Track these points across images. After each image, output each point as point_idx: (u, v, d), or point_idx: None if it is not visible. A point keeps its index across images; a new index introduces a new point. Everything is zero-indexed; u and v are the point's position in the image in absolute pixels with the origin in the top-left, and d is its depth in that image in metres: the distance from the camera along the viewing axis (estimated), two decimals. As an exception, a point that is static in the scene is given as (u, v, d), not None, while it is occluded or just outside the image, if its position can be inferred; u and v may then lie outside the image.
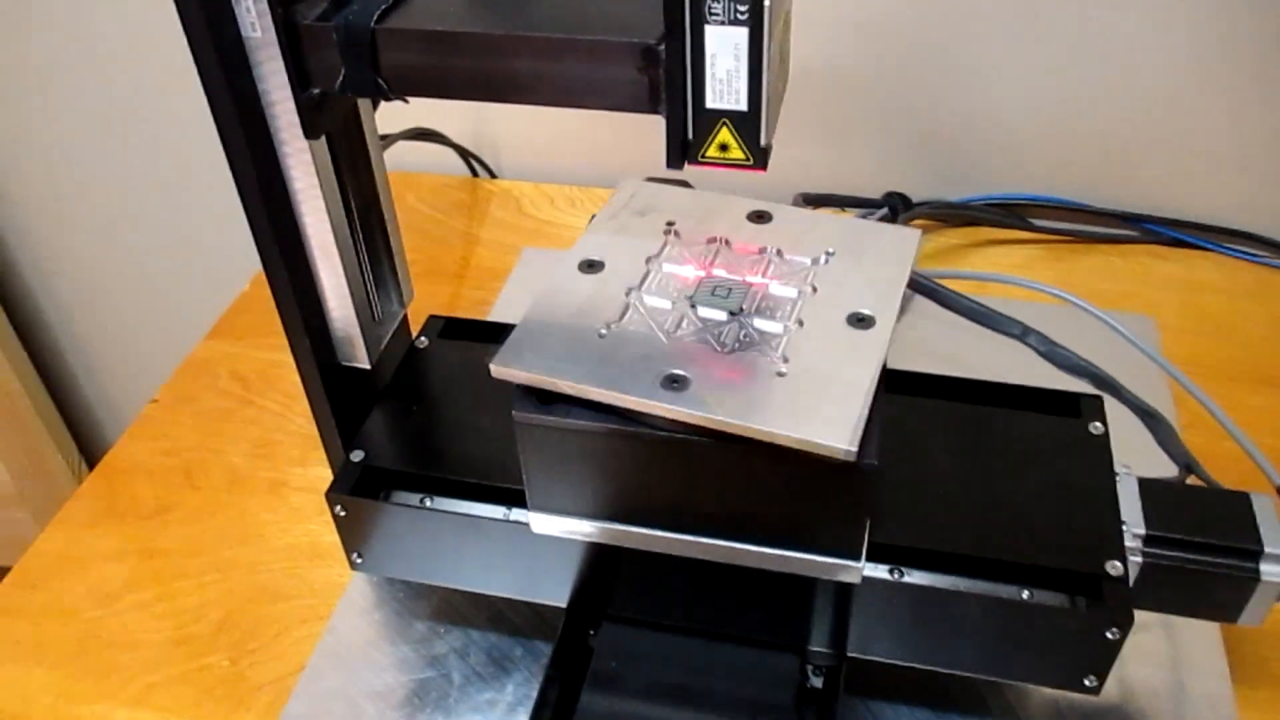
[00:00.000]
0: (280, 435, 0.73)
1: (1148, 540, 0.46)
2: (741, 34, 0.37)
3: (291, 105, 0.43)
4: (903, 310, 0.46)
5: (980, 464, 0.50)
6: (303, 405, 0.53)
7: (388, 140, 0.92)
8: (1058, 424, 0.52)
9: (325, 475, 0.53)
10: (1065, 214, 0.84)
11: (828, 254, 0.48)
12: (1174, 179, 0.82)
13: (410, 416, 0.54)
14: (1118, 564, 0.45)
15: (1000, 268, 0.81)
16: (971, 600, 0.45)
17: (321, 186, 0.46)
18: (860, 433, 0.39)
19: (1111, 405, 0.53)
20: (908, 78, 0.83)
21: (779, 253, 0.48)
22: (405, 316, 0.58)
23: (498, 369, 0.42)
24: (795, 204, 0.75)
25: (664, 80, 0.38)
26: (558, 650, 0.52)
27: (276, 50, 0.41)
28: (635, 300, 0.46)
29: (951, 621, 0.46)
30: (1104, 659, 0.45)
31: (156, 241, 1.14)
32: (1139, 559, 0.46)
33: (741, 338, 0.44)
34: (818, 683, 0.51)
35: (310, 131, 0.43)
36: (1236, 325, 0.76)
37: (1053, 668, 0.46)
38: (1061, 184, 0.84)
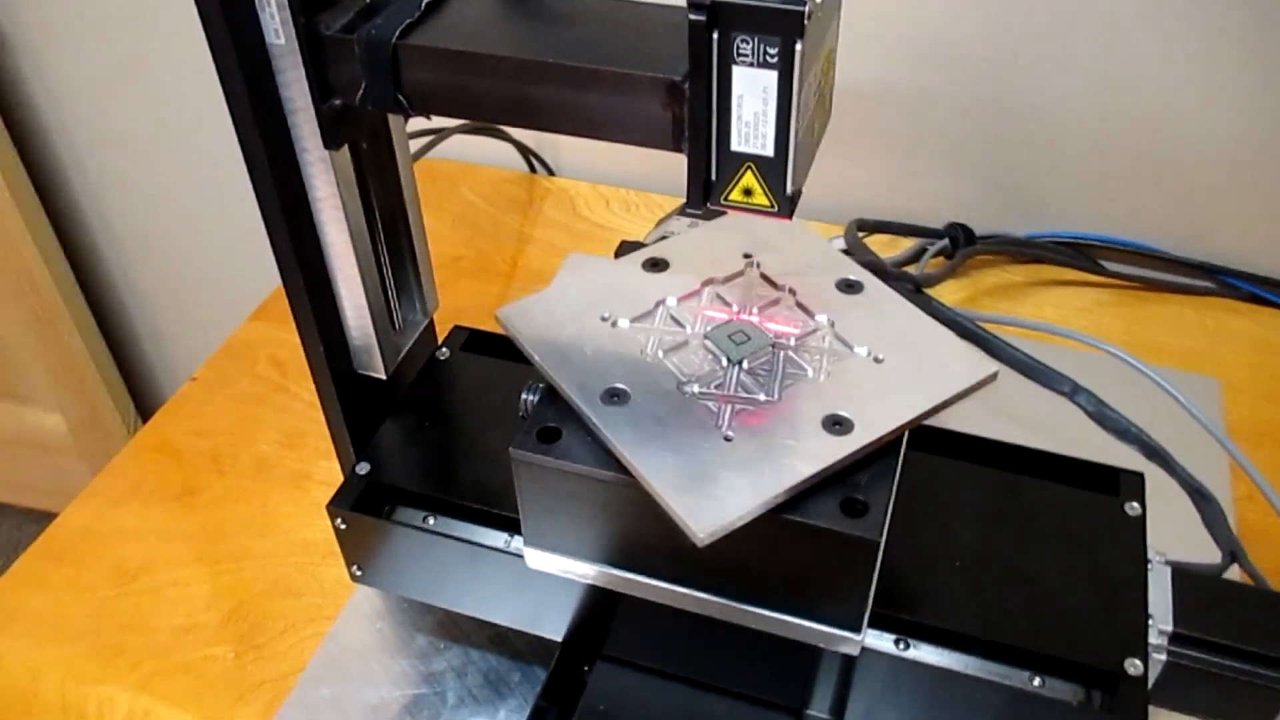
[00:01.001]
0: (310, 426, 0.73)
1: (1174, 639, 0.43)
2: (771, 77, 0.35)
3: (312, 115, 0.42)
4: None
5: (1004, 537, 0.47)
6: (336, 398, 0.52)
7: (445, 132, 0.91)
8: (1092, 500, 0.49)
9: (346, 474, 0.52)
10: (1137, 259, 0.79)
11: (876, 353, 0.44)
12: (1255, 232, 0.78)
13: (421, 431, 0.53)
14: (1138, 662, 0.42)
15: (1064, 310, 0.78)
16: (978, 684, 0.43)
17: (342, 196, 0.45)
18: (722, 528, 0.37)
19: (1160, 475, 0.49)
20: (983, 106, 0.79)
21: (831, 323, 0.46)
22: (431, 323, 0.57)
23: (502, 315, 0.43)
24: (850, 230, 0.72)
25: (687, 119, 0.36)
26: (549, 682, 0.51)
27: (299, 59, 0.40)
28: (661, 310, 0.45)
29: (957, 703, 0.43)
30: None
31: (222, 212, 1.15)
32: (1163, 657, 0.43)
33: (712, 387, 0.43)
34: None
35: (330, 142, 0.43)
36: (1311, 392, 0.72)
37: None
38: (1136, 227, 0.80)
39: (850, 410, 0.41)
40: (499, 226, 0.91)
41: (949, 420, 0.60)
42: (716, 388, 0.42)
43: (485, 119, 0.40)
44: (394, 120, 0.48)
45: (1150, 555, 0.46)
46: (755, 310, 0.46)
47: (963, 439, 0.51)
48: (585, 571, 0.44)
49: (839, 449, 0.40)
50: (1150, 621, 0.43)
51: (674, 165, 0.37)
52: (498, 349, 0.57)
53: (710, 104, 0.36)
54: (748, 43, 0.34)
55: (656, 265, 0.46)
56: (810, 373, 0.43)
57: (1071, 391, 0.54)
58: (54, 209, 1.19)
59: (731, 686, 0.49)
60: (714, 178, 0.38)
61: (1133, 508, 0.48)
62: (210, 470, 0.70)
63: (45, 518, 0.66)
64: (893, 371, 0.44)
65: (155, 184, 1.16)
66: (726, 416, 0.41)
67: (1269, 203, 0.76)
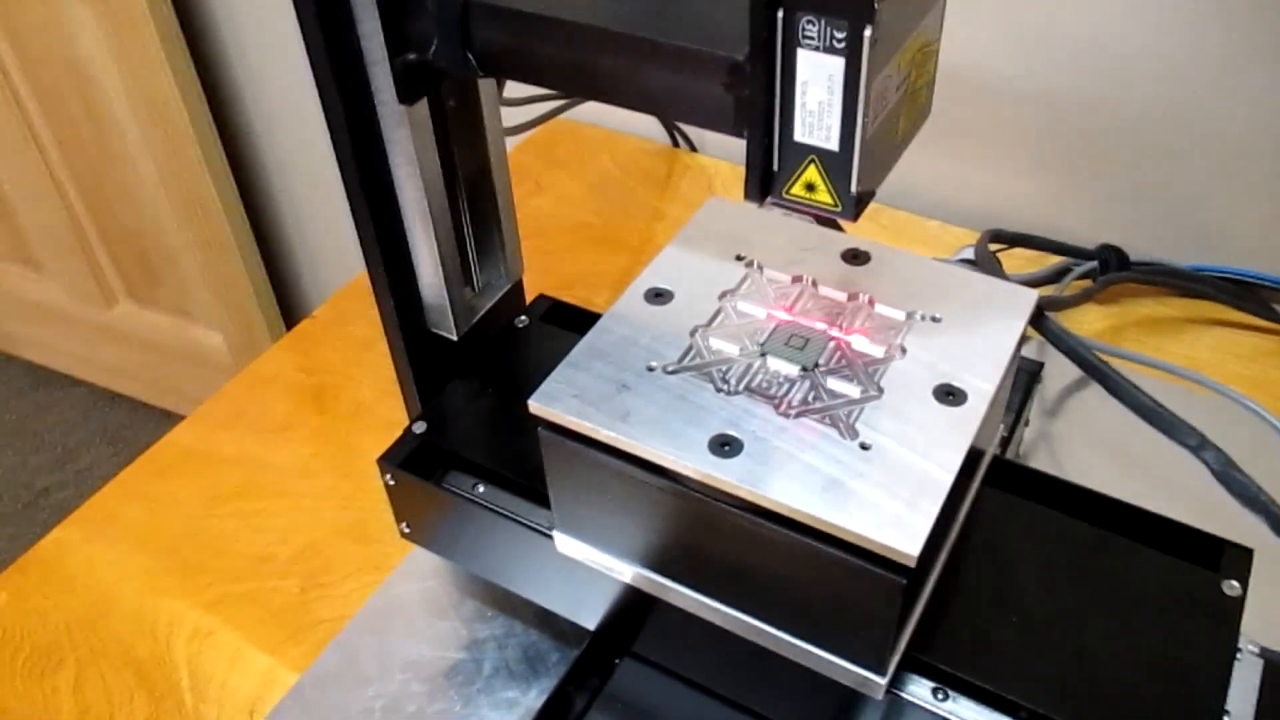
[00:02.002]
0: (411, 376, 0.74)
1: None
2: (837, 64, 0.32)
3: (389, 68, 0.41)
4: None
5: (1077, 598, 0.42)
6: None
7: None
8: (1187, 572, 0.43)
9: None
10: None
11: (926, 313, 0.42)
12: None
13: (485, 398, 0.52)
14: None
15: (1220, 355, 0.70)
16: None
17: (419, 153, 0.44)
18: (928, 537, 0.34)
19: None
20: (1153, 120, 0.72)
21: (870, 302, 0.43)
22: (520, 287, 0.56)
23: (536, 407, 0.39)
24: (983, 241, 0.67)
25: (748, 102, 0.34)
26: (576, 666, 0.50)
27: (375, 10, 0.39)
28: (699, 341, 0.42)
29: None
30: None
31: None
32: None
33: (810, 399, 0.39)
34: None
35: (405, 97, 0.42)
36: None
37: None
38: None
39: (952, 377, 0.39)
40: (632, 198, 0.90)
41: (1043, 460, 0.55)
42: (814, 399, 0.39)
43: (549, 86, 0.38)
44: (484, 82, 0.47)
45: (1242, 644, 0.41)
46: (788, 309, 0.43)
47: (1051, 481, 0.47)
48: (610, 565, 0.43)
49: (971, 416, 0.38)
50: (1226, 718, 0.38)
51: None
52: (577, 323, 0.56)
53: (773, 88, 0.33)
54: (814, 24, 0.31)
55: (660, 296, 0.43)
56: (884, 353, 0.41)
57: (1198, 446, 0.48)
58: (228, 137, 1.25)
59: (758, 708, 0.46)
60: (775, 169, 0.35)
61: (1232, 586, 0.42)
62: (311, 407, 0.72)
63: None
64: (957, 327, 0.41)
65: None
66: (845, 425, 0.38)
67: None
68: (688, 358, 0.41)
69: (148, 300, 1.47)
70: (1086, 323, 0.72)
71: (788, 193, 0.35)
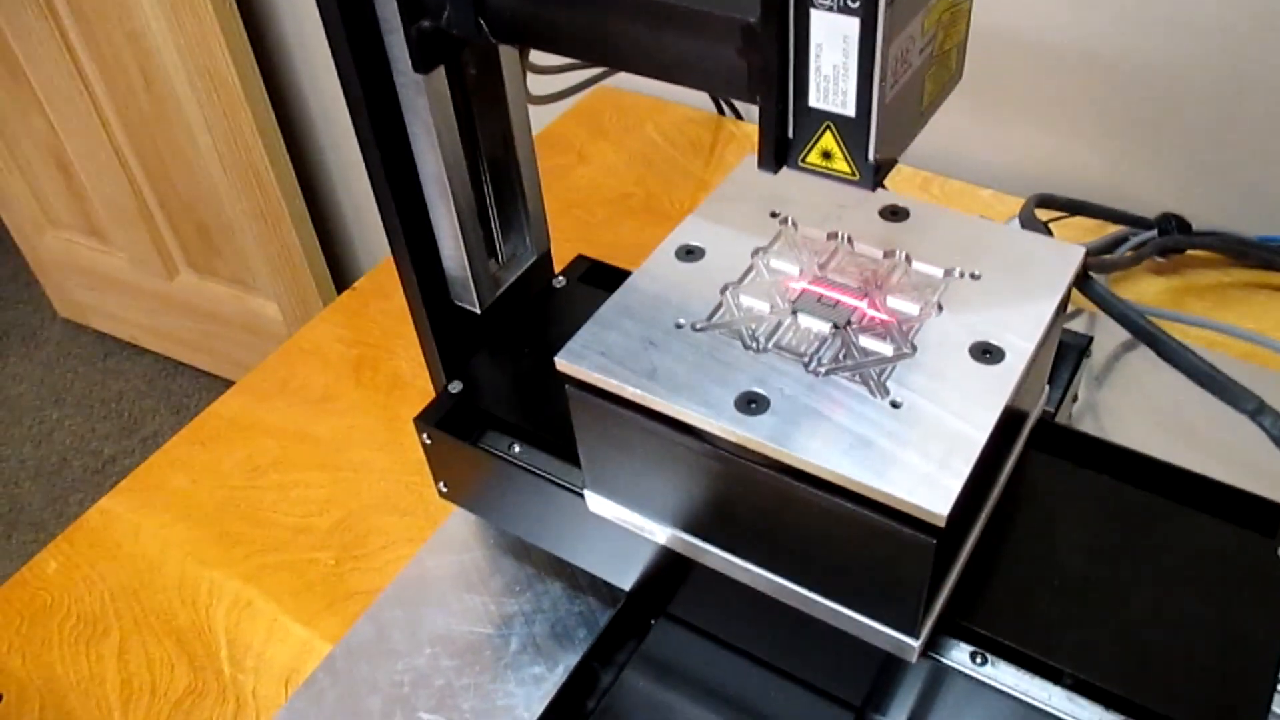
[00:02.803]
0: (450, 349, 0.74)
1: None
2: (852, 25, 0.30)
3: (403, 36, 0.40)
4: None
5: (1126, 565, 0.41)
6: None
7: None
8: (1243, 539, 0.41)
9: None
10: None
11: (966, 270, 0.40)
12: None
13: (522, 358, 0.51)
14: None
15: (1286, 324, 0.67)
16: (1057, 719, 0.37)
17: (437, 123, 0.43)
18: (958, 497, 0.33)
19: None
20: (1225, 83, 0.69)
21: (907, 259, 0.41)
22: (547, 258, 0.55)
23: (564, 364, 0.39)
24: (1029, 205, 0.64)
25: (760, 66, 0.32)
26: (611, 626, 0.50)
27: (387, -24, 0.39)
28: (730, 298, 0.41)
29: None
30: None
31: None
32: None
33: (841, 357, 0.38)
34: None
35: (420, 65, 0.41)
36: None
37: None
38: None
39: (989, 334, 0.38)
40: (675, 168, 0.88)
41: (1091, 424, 0.53)
42: (845, 357, 0.38)
43: (561, 52, 0.37)
44: (506, 51, 0.46)
45: None
46: (824, 266, 0.41)
47: (1101, 445, 0.45)
48: (641, 524, 0.42)
49: (1009, 375, 0.36)
50: (1279, 689, 0.36)
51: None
52: (615, 283, 0.55)
53: (786, 52, 0.32)
54: (826, -17, 0.30)
55: (691, 254, 0.42)
56: (920, 311, 0.39)
57: (1255, 411, 0.46)
58: (280, 108, 1.26)
59: (794, 671, 0.46)
60: (791, 135, 0.34)
61: None
62: (350, 379, 0.73)
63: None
64: (997, 284, 0.40)
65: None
66: (876, 383, 0.37)
67: None
68: (717, 315, 0.40)
69: (207, 270, 1.50)
70: (1145, 294, 0.69)
71: (804, 161, 0.34)
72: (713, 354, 0.38)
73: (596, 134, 0.93)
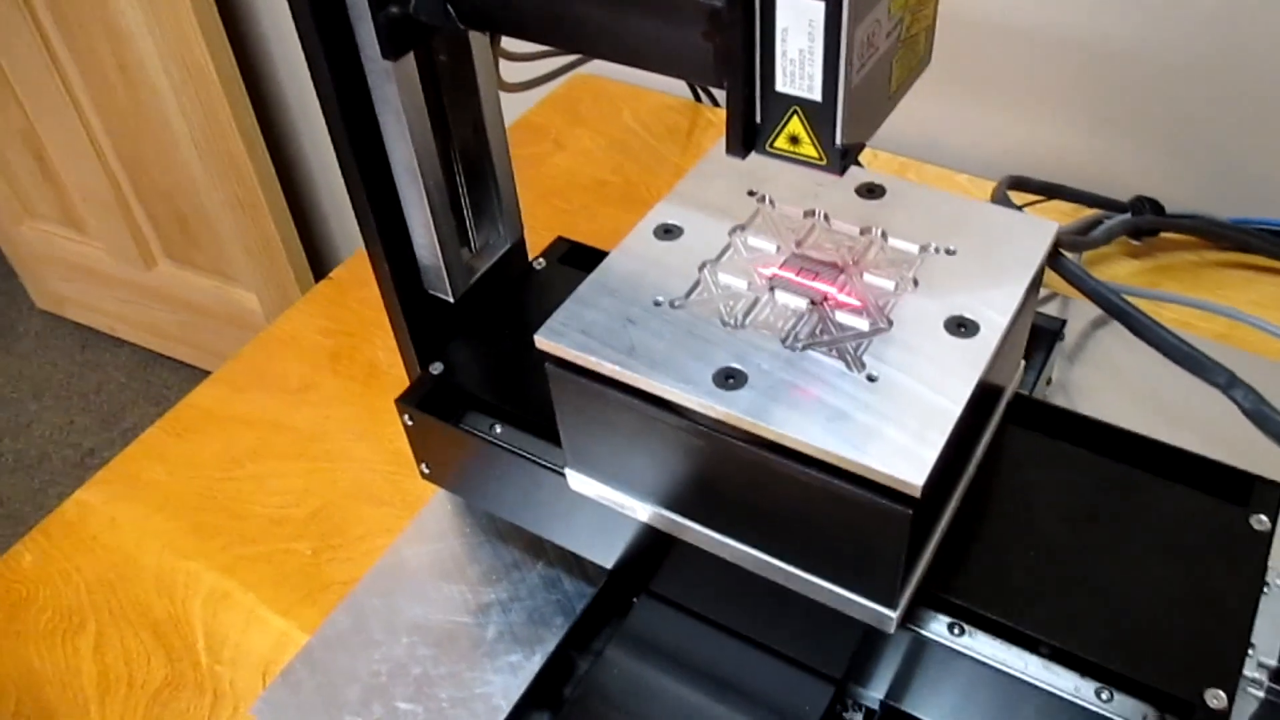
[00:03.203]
0: (427, 338, 0.74)
1: (1278, 675, 0.37)
2: (818, 8, 0.30)
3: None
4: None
5: (1099, 534, 0.41)
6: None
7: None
8: (1215, 508, 0.42)
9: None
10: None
11: (941, 246, 0.41)
12: None
13: (502, 340, 0.52)
14: (1222, 695, 0.36)
15: (1261, 309, 0.67)
16: (1034, 690, 0.38)
17: (407, 111, 0.43)
18: (934, 467, 0.33)
19: None
20: (1197, 70, 0.69)
21: (884, 235, 0.42)
22: (521, 246, 0.55)
23: (543, 342, 0.39)
24: (1002, 186, 0.64)
25: (726, 50, 0.32)
26: (595, 602, 0.50)
27: (353, -38, 0.38)
28: (707, 276, 0.41)
29: (1010, 704, 0.39)
30: None
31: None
32: (1260, 693, 0.37)
33: (818, 333, 0.38)
34: (857, 719, 0.46)
35: (388, 51, 0.41)
36: None
37: None
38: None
39: (965, 308, 0.38)
40: (652, 155, 0.88)
41: (1064, 402, 0.54)
42: (822, 333, 0.38)
43: (530, 38, 0.37)
44: (478, 38, 0.46)
45: (1271, 579, 0.40)
46: (800, 244, 0.42)
47: (1076, 419, 0.46)
48: (621, 501, 0.42)
49: (984, 348, 0.37)
50: (1251, 652, 0.37)
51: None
52: (595, 264, 0.55)
53: (752, 35, 0.31)
54: (791, -33, 0.30)
55: (669, 232, 0.42)
56: (895, 287, 0.40)
57: (1227, 384, 0.47)
58: (256, 98, 1.25)
59: (776, 645, 0.46)
60: (758, 121, 0.33)
61: (1260, 521, 0.41)
62: (327, 369, 0.72)
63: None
64: (971, 259, 0.40)
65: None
66: (853, 358, 0.37)
67: None
68: (695, 293, 0.40)
69: (186, 261, 1.49)
70: (1119, 275, 0.70)
71: (772, 146, 0.34)
72: (691, 331, 0.38)
73: (573, 121, 0.92)
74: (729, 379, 0.36)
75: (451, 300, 0.50)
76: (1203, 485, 0.43)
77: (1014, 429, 0.45)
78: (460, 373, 0.51)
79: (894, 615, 0.38)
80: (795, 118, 0.33)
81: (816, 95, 0.32)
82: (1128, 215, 0.69)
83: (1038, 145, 0.78)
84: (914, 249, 0.41)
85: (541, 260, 0.56)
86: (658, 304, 0.39)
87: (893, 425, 0.34)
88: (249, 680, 0.56)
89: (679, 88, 0.94)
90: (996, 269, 0.40)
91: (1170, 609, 0.39)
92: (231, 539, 0.62)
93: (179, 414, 0.70)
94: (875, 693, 0.44)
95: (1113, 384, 0.59)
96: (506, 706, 0.50)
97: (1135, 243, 0.71)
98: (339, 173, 1.36)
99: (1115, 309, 0.51)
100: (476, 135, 0.48)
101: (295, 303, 0.78)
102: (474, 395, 0.50)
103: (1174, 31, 0.69)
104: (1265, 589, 0.39)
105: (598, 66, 0.89)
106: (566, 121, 0.92)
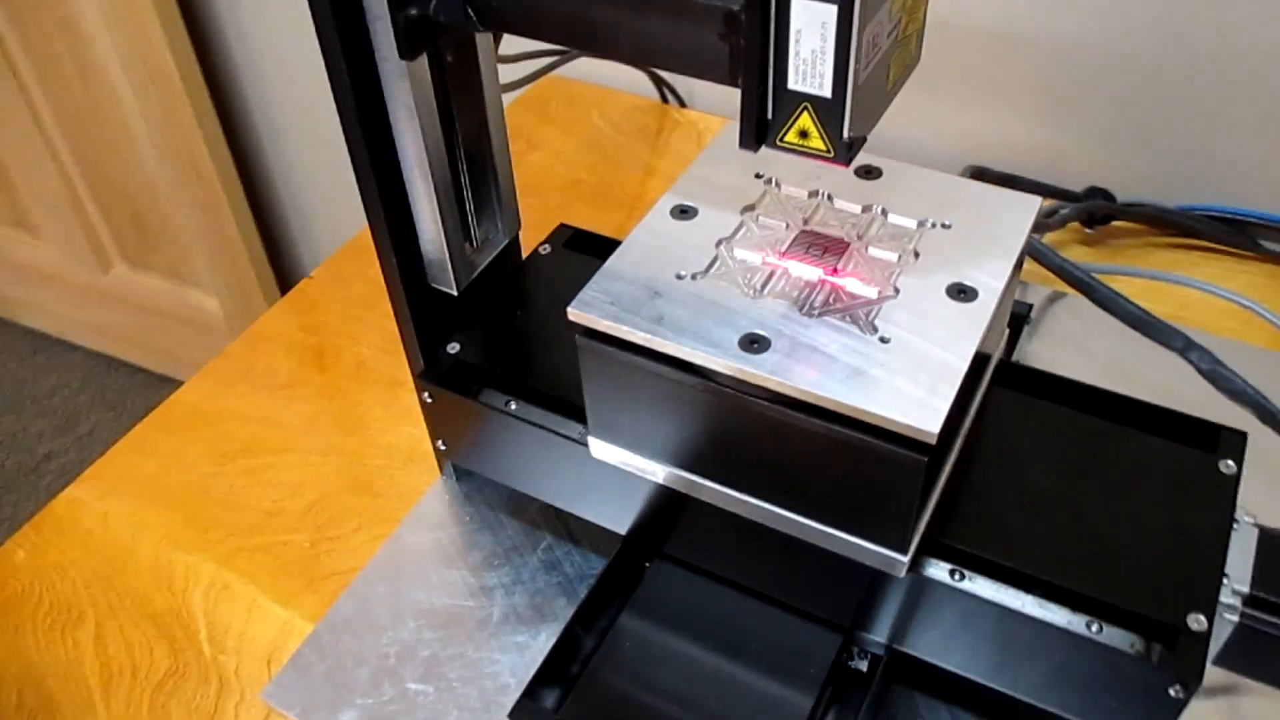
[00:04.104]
0: (412, 333, 0.75)
1: (1250, 600, 0.40)
2: (830, 12, 0.33)
3: (390, 24, 0.42)
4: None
5: (1082, 482, 0.45)
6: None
7: (572, 52, 0.90)
8: (1185, 455, 0.46)
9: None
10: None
11: (937, 221, 0.44)
12: None
13: (514, 320, 0.54)
14: (1202, 619, 0.40)
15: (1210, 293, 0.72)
16: (1033, 624, 0.41)
17: (419, 108, 0.45)
18: (946, 417, 0.36)
19: (1276, 445, 0.48)
20: (1148, 60, 0.73)
21: (883, 212, 0.45)
22: (516, 242, 0.57)
23: (575, 313, 0.42)
24: (962, 176, 0.68)
25: (743, 51, 0.34)
26: (608, 570, 0.53)
27: (376, -35, 0.40)
28: (724, 252, 0.44)
29: (1008, 640, 0.43)
30: (1164, 715, 0.41)
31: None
32: (1235, 618, 0.40)
33: (831, 301, 0.41)
34: (862, 665, 0.50)
35: (406, 51, 0.43)
36: None
37: (1107, 711, 0.42)
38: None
39: (963, 276, 0.41)
40: (624, 154, 0.91)
41: (1042, 363, 0.58)
42: (834, 302, 0.41)
43: (549, 39, 0.39)
44: (482, 38, 0.48)
45: (1239, 516, 0.43)
46: (808, 221, 0.45)
47: (1055, 380, 0.49)
48: (644, 467, 0.45)
49: (983, 310, 0.40)
50: (1225, 580, 0.41)
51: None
52: (597, 248, 0.58)
53: (767, 37, 0.34)
54: (807, -27, 0.32)
55: (685, 213, 0.45)
56: (899, 258, 0.43)
57: (1184, 348, 0.51)
58: (220, 99, 1.25)
59: (785, 598, 0.49)
60: (770, 116, 0.36)
61: (1228, 465, 0.45)
62: (313, 365, 0.73)
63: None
64: (965, 232, 0.44)
65: (317, 80, 1.20)
66: (865, 322, 0.40)
67: None
68: (714, 267, 0.43)
69: (143, 264, 1.48)
70: (1074, 260, 0.73)
71: (782, 140, 0.36)
72: (714, 301, 0.41)
73: (545, 122, 0.94)
74: (753, 343, 0.39)
75: (455, 293, 0.52)
76: (1174, 435, 0.47)
77: (1000, 390, 0.48)
78: (476, 352, 0.53)
79: (905, 559, 0.41)
80: (805, 113, 0.35)
81: (827, 92, 0.34)
82: (1081, 203, 0.73)
83: (995, 139, 0.82)
84: (912, 224, 0.44)
85: (547, 246, 0.59)
86: (680, 277, 0.42)
87: (907, 380, 0.37)
88: (254, 668, 0.57)
89: (647, 88, 0.96)
90: (989, 240, 0.43)
91: (1150, 546, 0.42)
92: (228, 531, 0.63)
93: (167, 410, 0.71)
94: (879, 638, 0.48)
95: (1073, 357, 0.63)
96: (515, 684, 0.52)
97: (1089, 230, 0.75)
98: (301, 174, 1.37)
99: (1080, 282, 0.55)
100: (480, 132, 0.50)
101: (277, 301, 0.79)
102: (491, 372, 0.53)
103: (1122, 31, 0.73)
104: (1235, 525, 0.43)
105: (567, 68, 0.91)
106: (538, 122, 0.94)
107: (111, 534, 0.64)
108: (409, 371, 0.71)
